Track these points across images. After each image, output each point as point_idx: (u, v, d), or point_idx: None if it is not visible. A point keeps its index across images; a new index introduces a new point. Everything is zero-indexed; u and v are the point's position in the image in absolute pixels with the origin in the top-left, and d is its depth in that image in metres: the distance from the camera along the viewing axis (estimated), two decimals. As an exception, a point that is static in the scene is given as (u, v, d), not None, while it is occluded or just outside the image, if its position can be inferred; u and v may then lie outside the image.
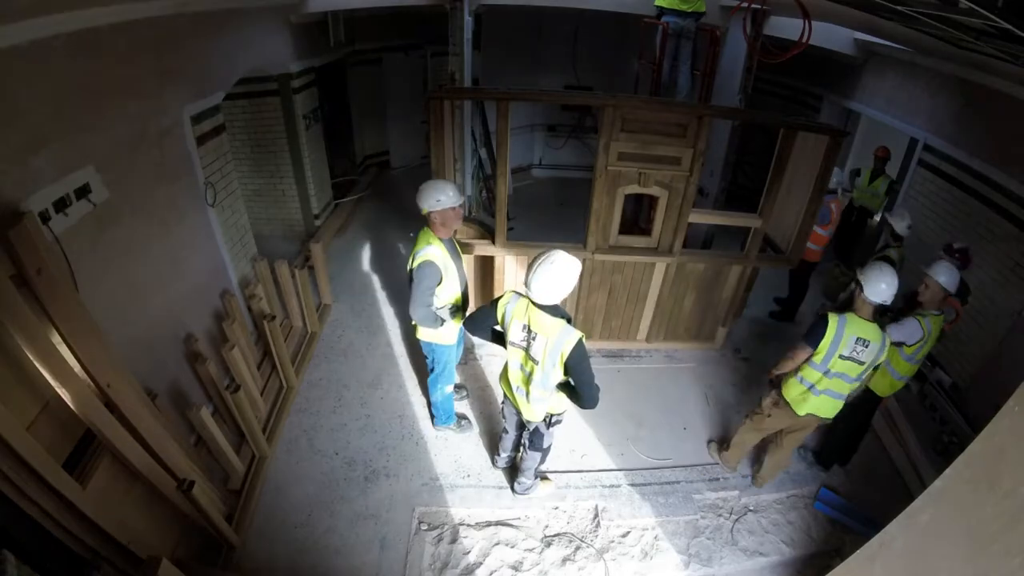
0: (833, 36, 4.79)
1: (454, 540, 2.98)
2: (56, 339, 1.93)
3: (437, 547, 2.94)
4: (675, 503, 3.23)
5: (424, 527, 3.04)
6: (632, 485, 3.32)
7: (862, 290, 2.64)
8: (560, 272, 2.27)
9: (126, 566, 2.12)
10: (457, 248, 3.04)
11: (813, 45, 3.52)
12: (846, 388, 2.78)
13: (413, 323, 3.01)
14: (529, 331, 2.41)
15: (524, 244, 3.91)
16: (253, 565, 2.77)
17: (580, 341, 2.30)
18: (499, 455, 3.25)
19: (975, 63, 3.60)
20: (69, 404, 1.95)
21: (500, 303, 2.54)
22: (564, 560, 2.93)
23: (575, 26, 6.69)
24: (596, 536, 3.06)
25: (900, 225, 3.81)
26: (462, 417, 3.64)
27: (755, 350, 4.55)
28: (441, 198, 2.74)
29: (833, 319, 2.66)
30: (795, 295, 4.91)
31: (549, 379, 2.45)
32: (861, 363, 2.67)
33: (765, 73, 4.96)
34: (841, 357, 2.67)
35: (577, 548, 3.00)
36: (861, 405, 3.24)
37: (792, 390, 2.89)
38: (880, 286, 2.60)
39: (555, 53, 7.04)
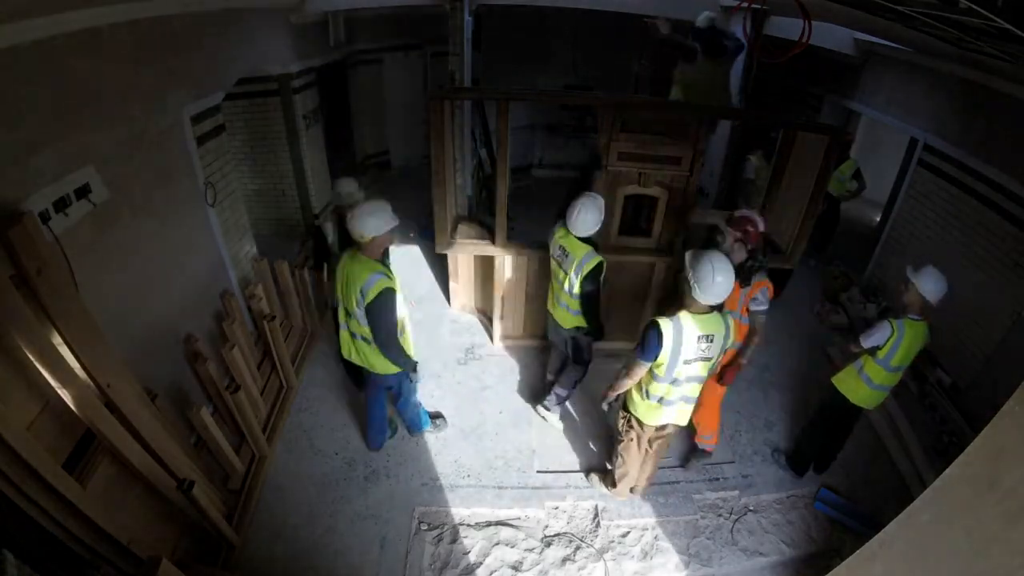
0: (833, 36, 4.79)
1: (454, 540, 2.98)
2: (56, 339, 1.93)
3: (437, 547, 2.94)
4: (675, 503, 3.24)
5: (424, 527, 3.04)
6: (632, 485, 3.32)
7: (692, 290, 2.27)
8: (592, 210, 2.92)
9: (126, 566, 2.12)
10: (387, 260, 2.86)
11: (813, 45, 3.52)
12: (699, 388, 2.55)
13: (369, 366, 2.84)
14: (564, 250, 3.04)
15: (524, 244, 3.91)
16: (253, 565, 2.77)
17: (600, 264, 2.91)
18: (547, 374, 3.73)
19: (975, 63, 3.60)
20: (69, 404, 1.95)
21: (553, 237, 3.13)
22: (564, 560, 2.93)
23: (575, 26, 6.69)
24: (596, 536, 3.06)
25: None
26: (436, 416, 3.59)
27: (755, 350, 4.54)
28: (386, 218, 2.57)
29: (666, 326, 2.28)
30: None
31: (575, 288, 3.00)
32: (709, 359, 2.40)
33: (765, 73, 4.96)
34: (686, 363, 2.35)
35: (577, 548, 3.00)
36: (834, 412, 3.16)
37: (639, 407, 2.61)
38: (715, 289, 2.22)
39: (555, 53, 7.04)
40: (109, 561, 2.08)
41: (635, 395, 2.61)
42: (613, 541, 3.05)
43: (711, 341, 2.35)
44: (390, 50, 6.98)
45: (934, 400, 3.96)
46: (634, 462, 2.92)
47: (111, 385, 2.11)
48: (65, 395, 1.93)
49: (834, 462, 3.46)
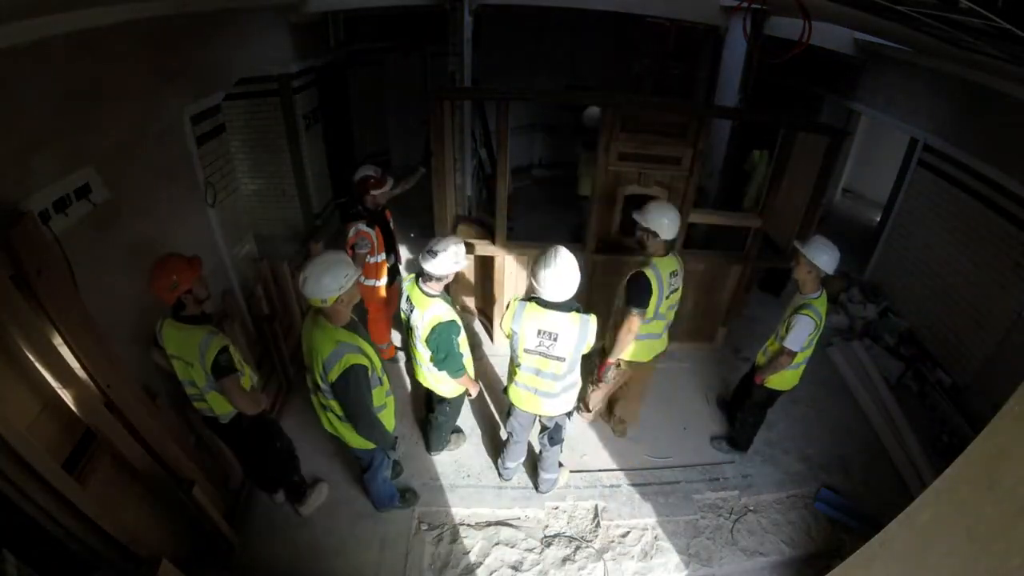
0: (833, 36, 4.79)
1: (454, 540, 2.98)
2: (56, 339, 1.93)
3: (437, 547, 2.94)
4: (675, 503, 3.23)
5: (424, 527, 3.03)
6: (632, 485, 3.32)
7: (655, 235, 2.73)
8: (569, 268, 2.37)
9: (126, 566, 2.12)
10: (357, 322, 2.37)
11: (813, 45, 3.52)
12: (672, 315, 3.04)
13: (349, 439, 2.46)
14: (548, 335, 2.42)
15: (524, 244, 3.91)
16: (253, 565, 2.77)
17: (596, 322, 2.47)
18: (507, 466, 3.18)
19: (975, 63, 3.60)
20: (69, 404, 1.95)
21: (506, 320, 2.51)
22: (564, 560, 2.93)
23: (575, 26, 6.69)
24: (596, 536, 3.06)
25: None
26: (406, 490, 3.14)
27: (755, 350, 4.54)
28: (348, 273, 2.15)
29: (651, 276, 2.73)
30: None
31: (576, 368, 2.60)
32: (678, 289, 2.96)
33: (765, 73, 4.96)
34: (667, 297, 2.86)
35: (577, 548, 3.00)
36: (768, 401, 3.28)
37: (636, 350, 2.96)
38: (663, 222, 2.71)
39: (555, 53, 7.04)
40: (109, 561, 2.08)
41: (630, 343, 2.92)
42: (613, 541, 3.05)
43: (677, 275, 2.90)
44: (390, 50, 6.98)
45: (934, 400, 3.96)
46: (608, 392, 3.34)
47: (111, 385, 2.11)
48: (65, 395, 1.93)
49: (836, 462, 3.51)
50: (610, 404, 3.53)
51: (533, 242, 3.98)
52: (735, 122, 5.29)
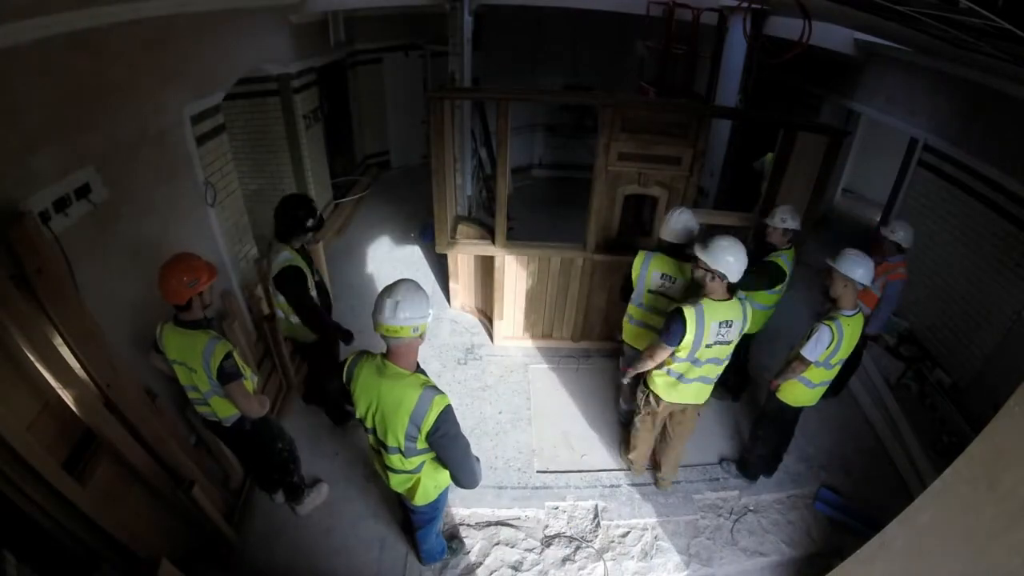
0: (833, 36, 4.79)
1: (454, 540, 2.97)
2: (56, 339, 1.93)
3: (437, 547, 2.94)
4: (675, 503, 3.23)
5: (424, 527, 3.03)
6: (632, 485, 3.32)
7: (721, 277, 2.42)
8: (680, 219, 2.88)
9: (126, 566, 2.12)
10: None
11: (813, 45, 3.52)
12: (718, 370, 2.69)
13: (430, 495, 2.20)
14: (670, 278, 2.95)
15: (524, 244, 3.91)
16: (253, 565, 2.77)
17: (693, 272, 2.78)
18: (622, 408, 3.55)
19: (975, 63, 3.60)
20: (69, 404, 1.95)
21: (635, 265, 3.01)
22: (564, 560, 2.93)
23: (575, 25, 6.70)
24: (596, 536, 3.06)
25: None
26: (452, 538, 2.99)
27: (755, 350, 4.54)
28: (427, 302, 1.89)
29: (690, 313, 2.43)
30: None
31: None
32: (729, 342, 2.58)
33: (765, 73, 4.96)
34: (707, 346, 2.53)
35: (577, 548, 3.00)
36: (779, 416, 3.09)
37: (658, 383, 2.76)
38: (727, 259, 2.38)
39: (555, 52, 7.05)
40: (109, 561, 2.08)
41: (655, 373, 2.77)
42: (613, 541, 3.05)
43: (730, 326, 2.52)
44: (390, 50, 6.99)
45: (934, 400, 3.96)
46: (646, 437, 3.10)
47: (111, 385, 2.11)
48: (65, 395, 1.93)
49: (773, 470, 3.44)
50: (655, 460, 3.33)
51: (533, 242, 3.98)
52: (735, 122, 5.29)
